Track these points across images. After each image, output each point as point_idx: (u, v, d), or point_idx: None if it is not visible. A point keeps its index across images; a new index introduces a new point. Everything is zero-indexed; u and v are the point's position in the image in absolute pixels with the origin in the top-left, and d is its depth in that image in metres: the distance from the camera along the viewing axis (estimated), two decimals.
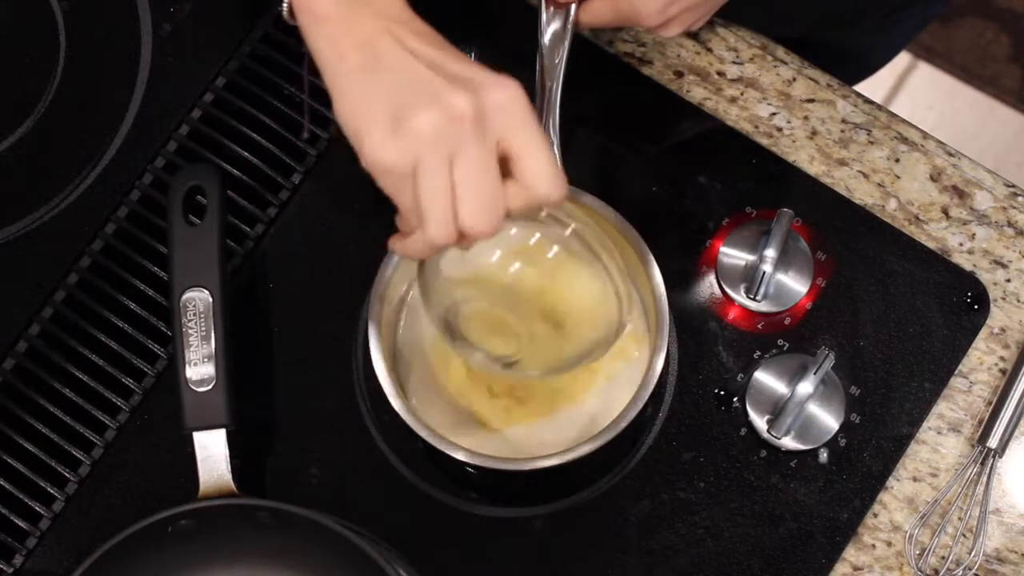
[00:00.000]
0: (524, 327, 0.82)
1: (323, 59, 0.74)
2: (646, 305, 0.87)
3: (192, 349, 0.85)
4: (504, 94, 0.71)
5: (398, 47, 0.72)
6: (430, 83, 0.70)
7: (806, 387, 0.86)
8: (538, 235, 0.80)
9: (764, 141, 0.94)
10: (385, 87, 0.71)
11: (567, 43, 0.86)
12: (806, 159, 0.94)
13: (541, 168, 0.72)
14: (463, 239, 0.72)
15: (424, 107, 0.70)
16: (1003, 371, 0.91)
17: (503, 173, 0.72)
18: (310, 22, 0.74)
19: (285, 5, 0.76)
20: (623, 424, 0.82)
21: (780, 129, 0.95)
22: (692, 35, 0.96)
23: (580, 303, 0.82)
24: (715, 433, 0.90)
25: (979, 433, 0.89)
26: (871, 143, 0.94)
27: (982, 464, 0.89)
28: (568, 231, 0.80)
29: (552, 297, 0.82)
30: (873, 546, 0.89)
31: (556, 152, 0.86)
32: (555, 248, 0.81)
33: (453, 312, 0.81)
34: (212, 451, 0.85)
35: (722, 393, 0.90)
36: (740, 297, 0.91)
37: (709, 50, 0.96)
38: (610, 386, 0.87)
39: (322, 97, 0.92)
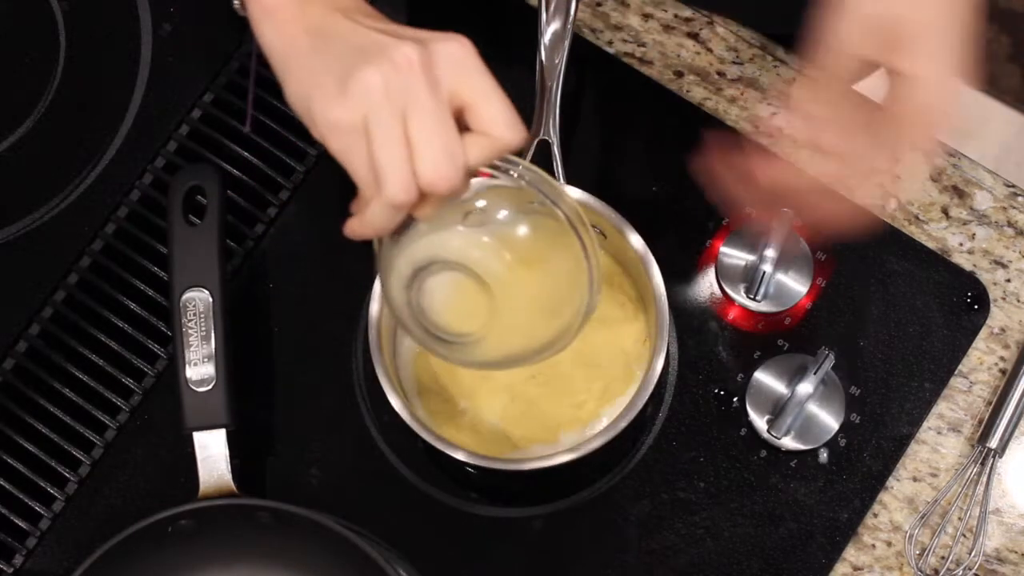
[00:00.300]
0: (491, 301, 0.79)
1: (273, 49, 0.73)
2: (646, 305, 0.87)
3: (192, 349, 0.85)
4: (453, 45, 0.70)
5: (347, 21, 0.72)
6: (378, 42, 0.69)
7: (806, 387, 0.86)
8: (508, 210, 0.78)
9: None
10: (334, 56, 0.70)
11: (567, 43, 0.86)
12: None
13: (497, 112, 0.70)
14: (423, 202, 0.70)
15: (372, 62, 0.68)
16: (1003, 371, 0.91)
17: (460, 129, 0.70)
18: (260, 14, 0.74)
19: None
20: (623, 424, 0.82)
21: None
22: (692, 35, 0.96)
23: (551, 281, 0.79)
24: (715, 433, 0.90)
25: (979, 433, 0.89)
26: None
27: (982, 464, 0.89)
28: (545, 204, 0.77)
29: (523, 274, 0.80)
30: (873, 546, 0.89)
31: (556, 152, 0.86)
32: (528, 224, 0.79)
33: (416, 289, 0.78)
34: (212, 451, 0.85)
35: (722, 393, 0.90)
36: (740, 297, 0.91)
37: (709, 50, 0.96)
38: (611, 386, 0.87)
39: None
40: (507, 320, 0.79)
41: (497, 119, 0.70)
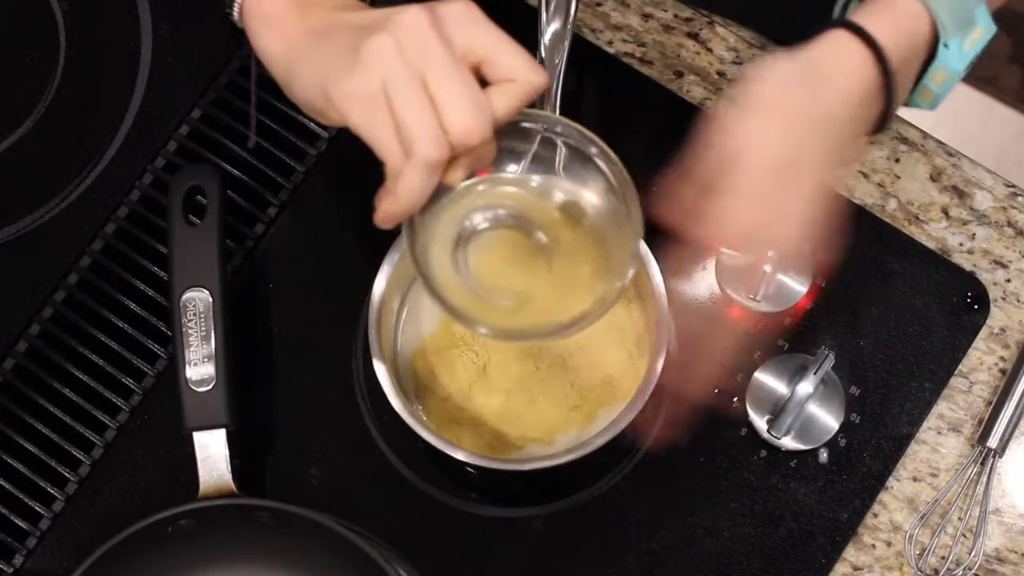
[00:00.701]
0: (541, 255, 0.78)
1: (274, 56, 0.73)
2: (646, 304, 0.87)
3: (192, 349, 0.85)
4: (457, 4, 0.69)
5: (347, 12, 0.72)
6: (382, 14, 0.69)
7: (806, 387, 0.86)
8: (546, 174, 0.78)
9: None
10: (340, 41, 0.70)
11: (567, 43, 0.86)
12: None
13: (515, 57, 0.69)
14: (453, 164, 0.69)
15: (382, 29, 0.68)
16: (1003, 371, 0.91)
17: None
18: (260, 23, 0.74)
19: (237, 7, 0.75)
20: (623, 424, 0.82)
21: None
22: (692, 35, 0.96)
23: (597, 235, 0.78)
24: (715, 433, 0.90)
25: (979, 433, 0.89)
26: (871, 143, 0.94)
27: (982, 464, 0.89)
28: (590, 161, 0.77)
29: (571, 226, 0.78)
30: (873, 546, 0.89)
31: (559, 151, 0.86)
32: (569, 182, 0.78)
33: (464, 250, 0.77)
34: (212, 451, 0.85)
35: (722, 393, 0.90)
36: (740, 297, 0.91)
37: (709, 50, 0.96)
38: (610, 386, 0.87)
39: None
40: (557, 275, 0.78)
41: (517, 64, 0.70)
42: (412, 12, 0.68)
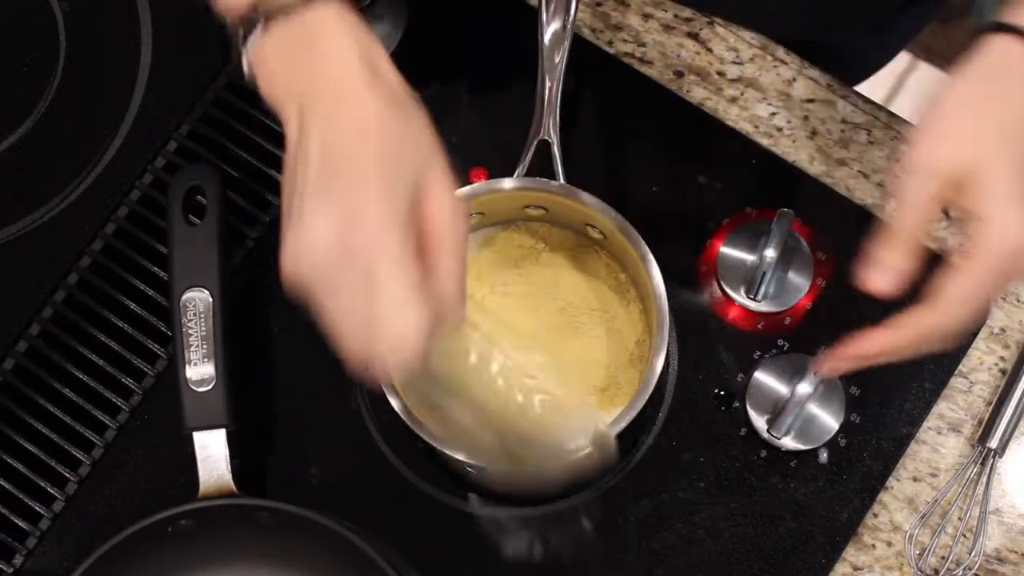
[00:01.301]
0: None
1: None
2: (646, 305, 0.87)
3: (192, 349, 0.85)
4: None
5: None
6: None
7: (806, 387, 0.86)
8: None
9: (764, 141, 0.94)
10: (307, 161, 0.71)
11: (567, 43, 0.86)
12: (806, 159, 0.94)
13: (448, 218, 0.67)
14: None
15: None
16: (1003, 371, 0.91)
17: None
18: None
19: (246, 62, 0.73)
20: (623, 424, 0.82)
21: (780, 129, 0.95)
22: (692, 35, 0.96)
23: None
24: (715, 433, 0.90)
25: (979, 433, 0.89)
26: (871, 143, 0.94)
27: (982, 464, 0.89)
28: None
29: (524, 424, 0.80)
30: (873, 546, 0.89)
31: (556, 152, 0.86)
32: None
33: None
34: (212, 451, 0.85)
35: (722, 393, 0.90)
36: (740, 297, 0.91)
37: (709, 50, 0.96)
38: (610, 386, 0.87)
39: None
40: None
41: (447, 222, 0.67)
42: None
